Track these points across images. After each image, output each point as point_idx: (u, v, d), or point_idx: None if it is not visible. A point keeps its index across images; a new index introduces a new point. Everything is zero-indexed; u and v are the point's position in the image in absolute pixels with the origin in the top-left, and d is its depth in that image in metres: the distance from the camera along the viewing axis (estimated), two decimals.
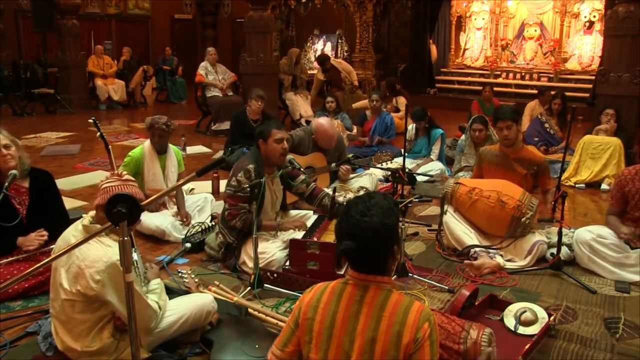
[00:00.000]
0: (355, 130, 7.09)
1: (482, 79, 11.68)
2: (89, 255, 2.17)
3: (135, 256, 2.37)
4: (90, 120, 3.87)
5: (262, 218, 3.40)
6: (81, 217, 2.37)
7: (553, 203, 3.44)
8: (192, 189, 4.84)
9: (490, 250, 3.54)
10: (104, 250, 2.17)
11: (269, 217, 3.55)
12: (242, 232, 3.36)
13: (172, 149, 4.22)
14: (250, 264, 3.22)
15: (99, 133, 3.77)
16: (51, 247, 3.01)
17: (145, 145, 4.10)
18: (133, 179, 2.44)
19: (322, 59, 9.49)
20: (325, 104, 6.98)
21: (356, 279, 1.70)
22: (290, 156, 3.91)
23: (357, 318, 1.66)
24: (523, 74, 11.59)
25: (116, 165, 3.90)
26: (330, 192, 3.62)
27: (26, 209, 3.12)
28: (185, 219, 4.03)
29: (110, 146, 3.85)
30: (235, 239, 3.39)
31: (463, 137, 5.56)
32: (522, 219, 3.49)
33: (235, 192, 3.31)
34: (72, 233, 2.30)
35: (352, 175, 5.00)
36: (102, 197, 2.25)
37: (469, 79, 12.17)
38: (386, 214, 1.66)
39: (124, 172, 2.41)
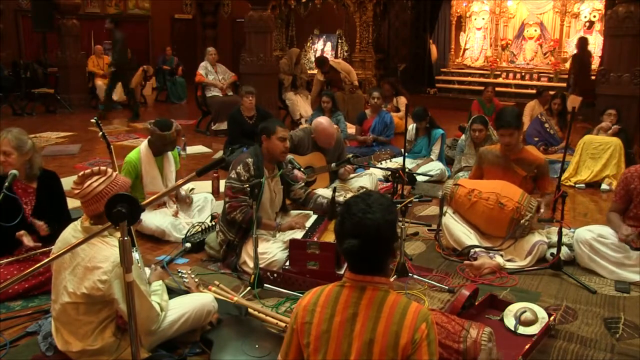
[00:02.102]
0: (354, 130, 7.06)
1: (482, 79, 11.67)
2: (95, 256, 2.17)
3: (136, 255, 2.37)
4: (93, 120, 3.86)
5: (261, 216, 3.41)
6: (80, 217, 2.37)
7: (553, 204, 3.44)
8: (192, 189, 4.83)
9: (490, 250, 3.54)
10: (111, 251, 2.17)
11: (268, 216, 3.56)
12: (242, 228, 3.36)
13: None
14: (251, 264, 3.21)
15: (101, 133, 3.76)
16: (51, 247, 3.01)
17: (141, 147, 4.04)
18: (111, 170, 2.34)
19: (321, 61, 9.42)
20: (321, 103, 6.95)
21: (353, 281, 1.69)
22: (290, 156, 3.92)
23: (354, 320, 1.65)
24: (523, 74, 11.59)
25: (118, 165, 3.89)
26: (324, 193, 3.63)
27: (32, 209, 3.17)
28: (187, 200, 4.17)
29: (112, 146, 3.84)
30: (236, 236, 3.40)
31: (463, 137, 5.56)
32: (521, 221, 3.48)
33: (235, 190, 3.32)
34: (71, 234, 2.29)
35: (352, 175, 5.00)
36: (98, 204, 2.18)
37: (469, 79, 12.17)
38: (387, 210, 1.66)
39: (103, 168, 2.30)
